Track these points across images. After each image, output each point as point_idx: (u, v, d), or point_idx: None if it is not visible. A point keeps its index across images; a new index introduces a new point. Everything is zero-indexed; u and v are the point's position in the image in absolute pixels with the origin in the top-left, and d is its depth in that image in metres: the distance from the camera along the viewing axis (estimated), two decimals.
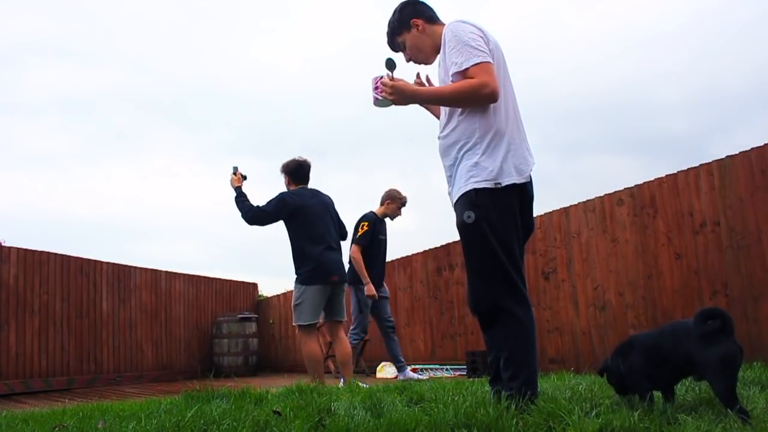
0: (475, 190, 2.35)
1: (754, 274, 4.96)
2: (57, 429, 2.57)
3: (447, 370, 7.02)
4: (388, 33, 2.77)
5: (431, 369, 7.30)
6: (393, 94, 2.49)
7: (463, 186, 2.39)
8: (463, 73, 2.37)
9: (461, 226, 2.39)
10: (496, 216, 2.33)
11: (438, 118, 2.79)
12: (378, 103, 2.57)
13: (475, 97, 2.38)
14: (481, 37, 2.44)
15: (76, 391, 6.77)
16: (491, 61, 2.39)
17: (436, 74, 2.68)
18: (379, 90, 2.53)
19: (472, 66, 2.35)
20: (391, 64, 2.56)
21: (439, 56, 2.61)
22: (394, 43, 2.77)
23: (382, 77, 2.54)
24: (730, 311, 4.99)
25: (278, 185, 5.25)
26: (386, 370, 7.46)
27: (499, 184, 2.33)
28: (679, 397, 2.31)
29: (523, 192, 2.43)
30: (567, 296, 6.32)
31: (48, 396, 6.30)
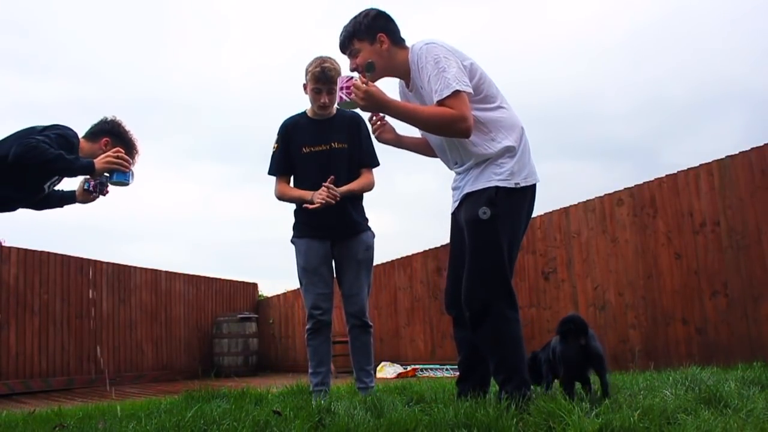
0: (496, 188, 2.33)
1: (754, 274, 4.96)
2: (57, 429, 2.58)
3: (447, 370, 7.01)
4: (348, 31, 2.52)
5: (431, 369, 7.29)
6: (364, 99, 2.31)
7: (486, 182, 2.35)
8: (442, 102, 2.28)
9: (473, 221, 2.34)
10: (509, 217, 2.35)
11: (412, 149, 2.70)
12: (343, 103, 2.41)
13: (450, 129, 2.31)
14: (455, 59, 2.33)
15: (76, 391, 6.76)
16: (469, 90, 2.30)
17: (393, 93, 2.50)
18: (349, 91, 2.35)
19: (451, 94, 2.25)
20: (370, 67, 2.41)
21: (411, 80, 2.45)
22: (347, 45, 2.52)
23: (351, 77, 2.38)
24: (730, 311, 5.05)
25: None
26: (386, 370, 7.45)
27: (518, 184, 2.35)
28: (679, 397, 2.32)
29: (533, 195, 2.46)
30: (567, 296, 6.33)
31: (48, 396, 6.30)
